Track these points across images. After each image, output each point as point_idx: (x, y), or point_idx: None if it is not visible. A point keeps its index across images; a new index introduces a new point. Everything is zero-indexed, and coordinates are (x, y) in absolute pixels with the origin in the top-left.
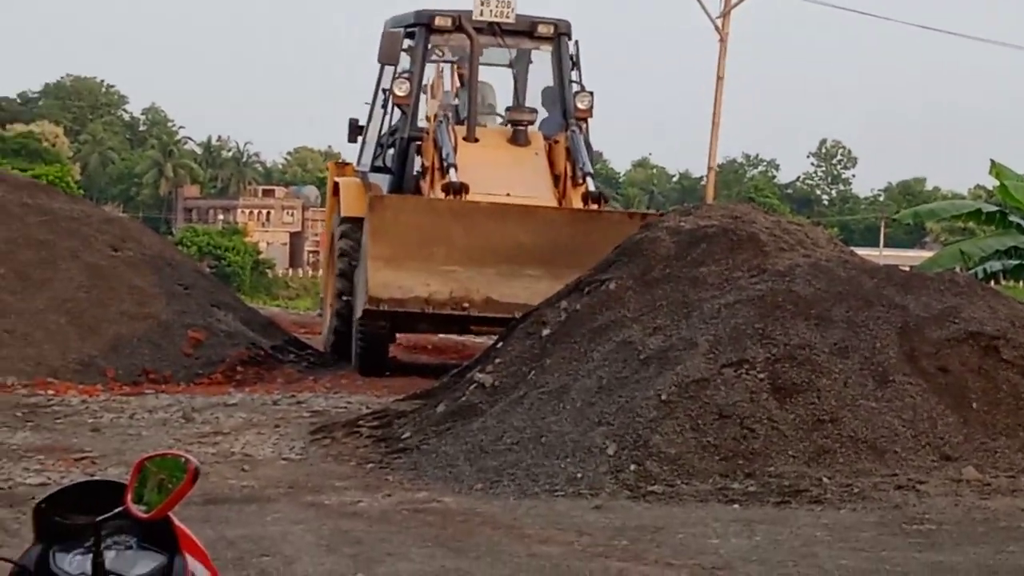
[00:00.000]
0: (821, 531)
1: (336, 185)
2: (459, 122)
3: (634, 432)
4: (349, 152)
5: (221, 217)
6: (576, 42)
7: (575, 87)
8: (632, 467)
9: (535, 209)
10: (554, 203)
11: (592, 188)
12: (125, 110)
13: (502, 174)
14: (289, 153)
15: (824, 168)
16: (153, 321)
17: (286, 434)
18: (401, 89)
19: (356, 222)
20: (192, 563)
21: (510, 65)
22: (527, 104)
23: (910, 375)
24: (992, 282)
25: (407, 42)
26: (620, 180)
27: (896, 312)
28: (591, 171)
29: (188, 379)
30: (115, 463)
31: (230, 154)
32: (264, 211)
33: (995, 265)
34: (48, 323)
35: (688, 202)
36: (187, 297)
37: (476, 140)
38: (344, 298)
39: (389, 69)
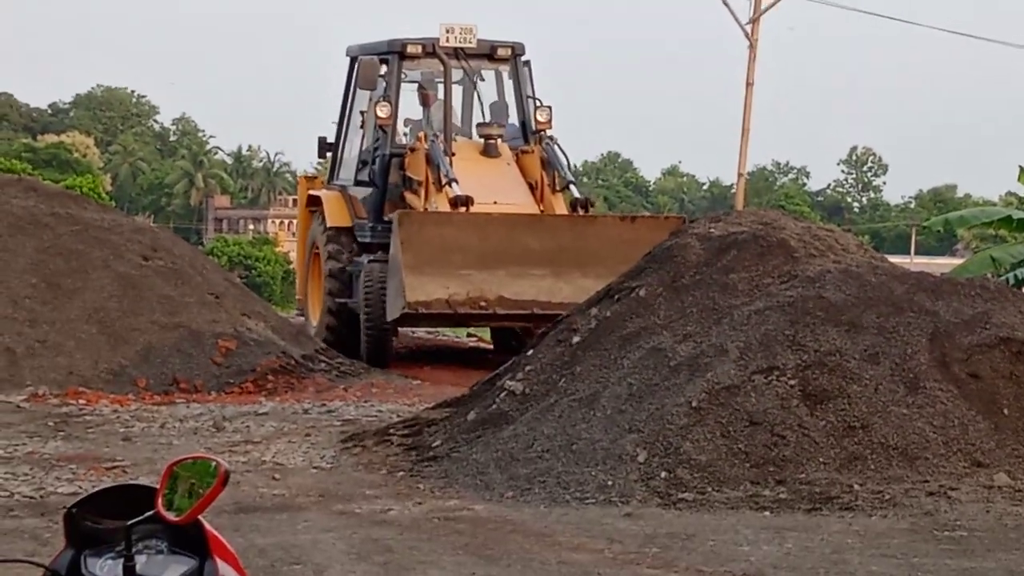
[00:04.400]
0: (852, 538)
1: (313, 198)
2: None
3: (665, 439)
4: None
5: (252, 227)
6: (528, 61)
7: (532, 102)
8: (663, 474)
9: (540, 217)
10: (535, 209)
11: (577, 194)
12: (156, 120)
13: (485, 184)
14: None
15: (855, 175)
16: (184, 330)
17: (317, 443)
18: (383, 111)
19: (341, 230)
20: (223, 567)
21: (472, 82)
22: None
23: (941, 381)
24: (1023, 288)
25: (382, 68)
26: (650, 188)
27: (927, 318)
28: (572, 179)
29: (219, 388)
30: (146, 472)
31: (260, 164)
32: (295, 221)
33: None
34: (79, 333)
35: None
36: (217, 306)
37: (453, 154)
38: (337, 299)
39: (362, 93)
